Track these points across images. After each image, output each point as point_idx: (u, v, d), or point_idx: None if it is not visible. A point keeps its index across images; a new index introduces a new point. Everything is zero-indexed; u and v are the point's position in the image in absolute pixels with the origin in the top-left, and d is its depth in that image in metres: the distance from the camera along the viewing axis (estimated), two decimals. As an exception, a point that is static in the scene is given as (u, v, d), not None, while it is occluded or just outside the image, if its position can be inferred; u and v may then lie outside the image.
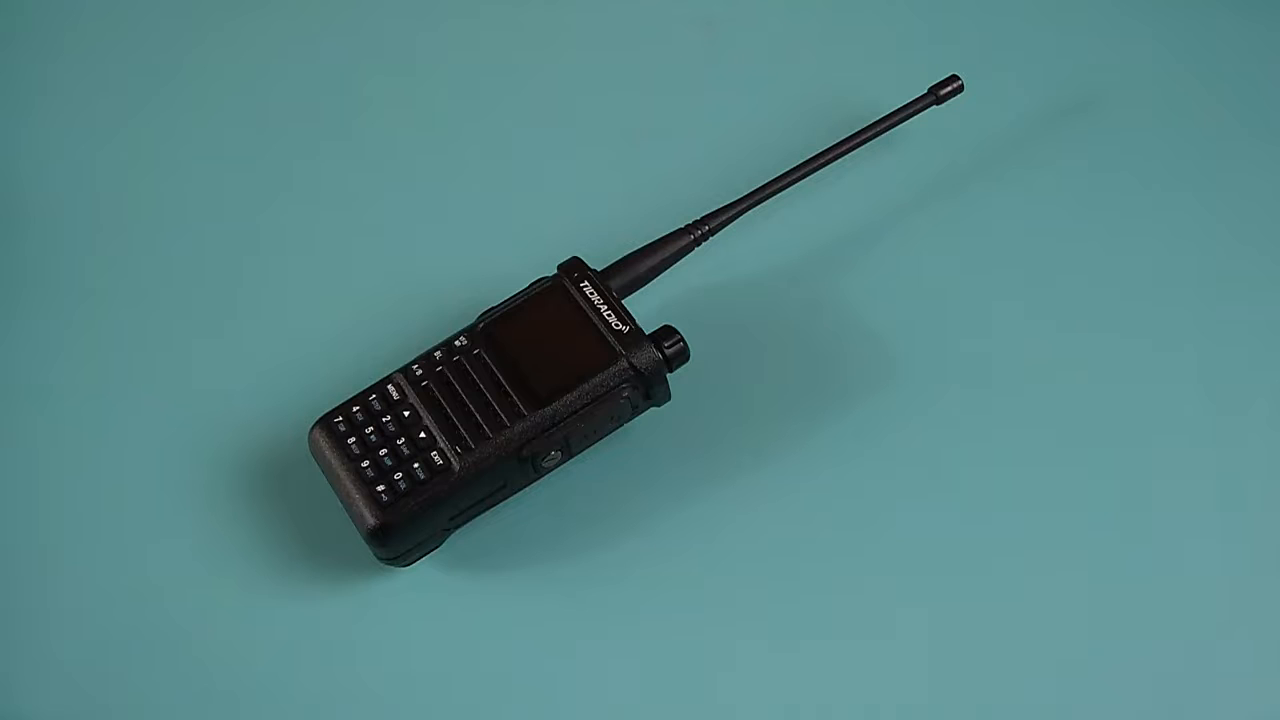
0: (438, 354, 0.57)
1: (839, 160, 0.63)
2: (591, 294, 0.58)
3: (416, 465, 0.55)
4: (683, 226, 0.61)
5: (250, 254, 0.67)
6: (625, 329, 0.57)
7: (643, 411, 0.59)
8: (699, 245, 0.61)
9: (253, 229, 0.67)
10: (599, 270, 0.60)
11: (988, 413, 0.61)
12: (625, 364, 0.56)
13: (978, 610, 0.57)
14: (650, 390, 0.57)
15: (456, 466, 0.55)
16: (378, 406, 0.57)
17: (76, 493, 0.60)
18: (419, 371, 0.57)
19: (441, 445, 0.55)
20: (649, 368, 0.56)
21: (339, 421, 0.57)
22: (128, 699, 0.55)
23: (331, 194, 0.68)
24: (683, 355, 0.58)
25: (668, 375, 0.58)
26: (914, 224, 0.67)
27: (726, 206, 0.62)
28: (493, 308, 0.59)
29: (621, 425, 0.59)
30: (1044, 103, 0.70)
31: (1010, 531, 0.58)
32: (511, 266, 0.61)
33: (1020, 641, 0.56)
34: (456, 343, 0.58)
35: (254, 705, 0.55)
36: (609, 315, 0.57)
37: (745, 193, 0.62)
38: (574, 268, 0.59)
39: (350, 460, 0.56)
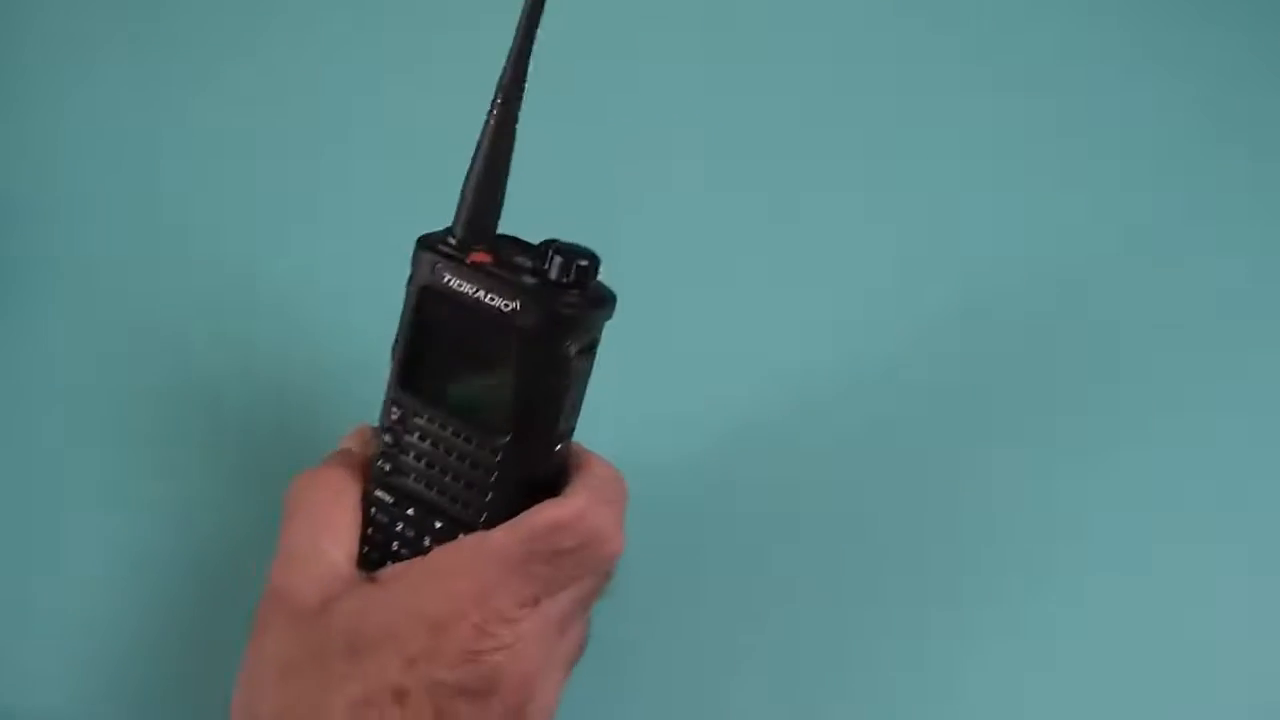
0: (387, 438, 0.48)
1: None
2: (460, 285, 0.46)
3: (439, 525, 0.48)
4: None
5: (250, 252, 0.67)
6: (514, 304, 0.45)
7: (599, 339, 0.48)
8: (508, 111, 0.48)
9: (252, 228, 0.67)
10: (449, 239, 0.47)
11: (990, 415, 0.61)
12: (539, 338, 0.45)
13: (979, 614, 0.57)
14: (581, 330, 0.46)
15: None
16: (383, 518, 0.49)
17: (77, 493, 0.60)
18: (388, 468, 0.49)
19: (453, 515, 0.48)
20: (563, 318, 0.45)
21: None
22: (129, 698, 0.56)
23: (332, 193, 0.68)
24: (589, 272, 0.45)
25: (596, 298, 0.46)
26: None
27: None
28: (395, 341, 0.48)
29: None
30: (1048, 103, 0.70)
31: (1014, 538, 0.59)
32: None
33: (1027, 646, 0.56)
34: (392, 415, 0.48)
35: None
36: (491, 299, 0.45)
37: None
38: (426, 262, 0.46)
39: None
